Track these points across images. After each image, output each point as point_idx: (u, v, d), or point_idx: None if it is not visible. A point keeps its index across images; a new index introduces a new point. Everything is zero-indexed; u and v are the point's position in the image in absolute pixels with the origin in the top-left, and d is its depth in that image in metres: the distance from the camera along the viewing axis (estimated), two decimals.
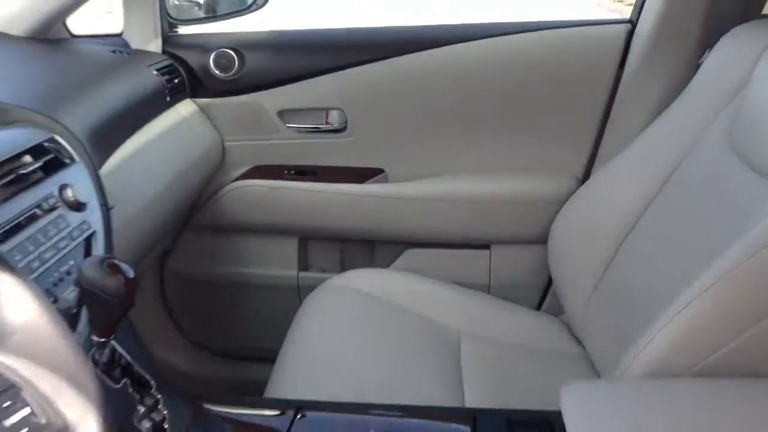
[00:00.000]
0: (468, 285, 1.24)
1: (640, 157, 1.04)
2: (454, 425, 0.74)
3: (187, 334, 1.48)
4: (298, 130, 1.30)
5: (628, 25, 1.17)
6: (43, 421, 0.38)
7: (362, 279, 1.19)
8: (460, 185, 1.27)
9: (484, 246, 1.32)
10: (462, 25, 1.24)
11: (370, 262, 1.39)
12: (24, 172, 0.71)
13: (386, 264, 1.36)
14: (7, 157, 0.71)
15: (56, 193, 0.71)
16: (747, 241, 0.68)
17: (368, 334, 1.06)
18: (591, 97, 1.20)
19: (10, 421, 0.36)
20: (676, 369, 0.70)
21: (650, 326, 0.72)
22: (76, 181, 0.75)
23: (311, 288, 1.20)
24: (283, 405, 0.76)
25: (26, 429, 0.36)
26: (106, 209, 0.76)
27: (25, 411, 0.37)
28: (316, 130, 1.31)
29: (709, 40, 1.06)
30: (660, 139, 1.02)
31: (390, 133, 1.28)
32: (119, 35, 1.27)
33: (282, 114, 1.28)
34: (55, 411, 0.39)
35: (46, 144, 0.75)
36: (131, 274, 0.58)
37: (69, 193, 0.72)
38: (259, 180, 1.32)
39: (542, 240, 1.21)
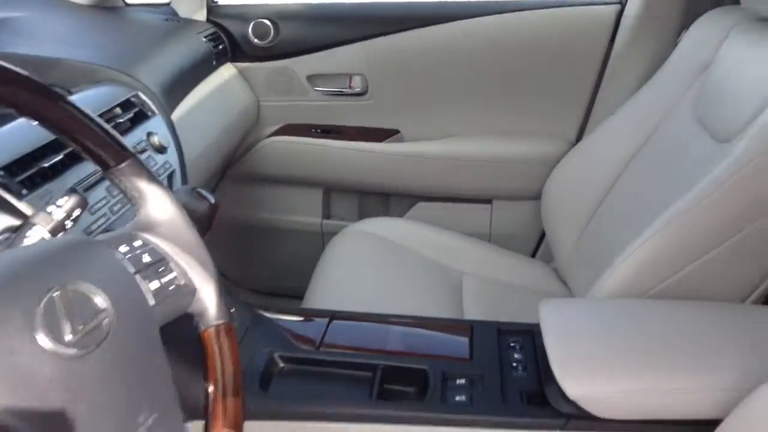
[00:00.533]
0: (471, 235, 1.41)
1: (622, 124, 1.20)
2: (456, 332, 0.93)
3: (224, 272, 1.67)
4: (325, 93, 1.47)
5: (618, 6, 1.33)
6: (182, 282, 0.56)
7: (379, 226, 1.37)
8: (466, 146, 1.45)
9: (486, 201, 1.50)
10: (471, 2, 1.39)
11: (385, 212, 1.57)
12: (118, 122, 0.89)
13: (399, 215, 1.55)
14: (103, 110, 0.88)
15: (144, 138, 0.89)
16: (694, 193, 0.86)
17: (384, 273, 1.23)
18: (583, 70, 1.36)
19: (164, 280, 0.54)
20: (635, 292, 0.88)
21: (616, 260, 0.90)
22: (158, 129, 0.93)
23: (333, 234, 1.38)
24: (320, 313, 0.95)
25: (173, 286, 0.55)
26: (180, 152, 0.94)
27: (172, 275, 0.56)
28: (341, 94, 1.48)
29: (686, 21, 1.21)
30: (640, 108, 1.18)
31: (406, 98, 1.45)
32: (167, 4, 1.43)
33: (311, 78, 1.46)
34: (188, 277, 0.57)
35: (132, 99, 0.93)
36: (213, 200, 0.76)
37: (155, 139, 0.89)
38: (289, 137, 1.50)
39: (537, 196, 1.38)
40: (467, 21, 1.35)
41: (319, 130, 1.50)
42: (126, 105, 0.92)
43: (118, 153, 0.55)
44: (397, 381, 0.82)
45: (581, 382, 0.72)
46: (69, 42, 1.11)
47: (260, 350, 0.84)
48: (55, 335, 0.41)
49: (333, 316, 0.94)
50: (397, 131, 1.48)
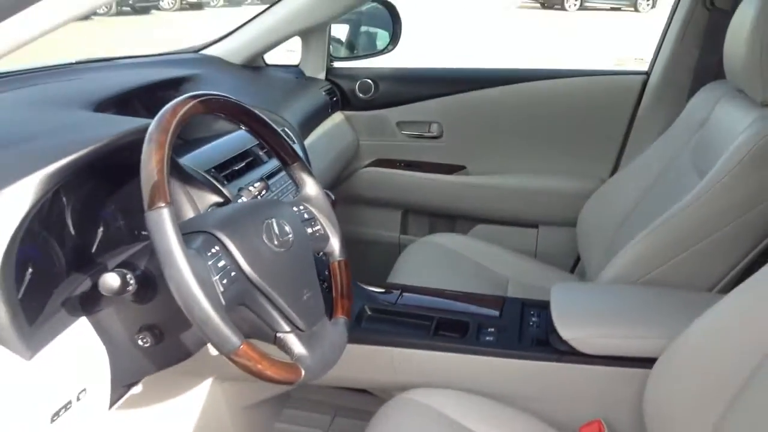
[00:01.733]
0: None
1: (640, 168, 1.54)
2: (491, 303, 1.27)
3: None
4: (409, 135, 1.91)
5: (645, 76, 1.69)
6: (323, 232, 0.98)
7: (444, 239, 1.75)
8: (518, 180, 1.83)
9: (533, 225, 1.86)
10: (525, 69, 1.80)
11: (451, 231, 1.96)
12: None
13: (462, 234, 1.93)
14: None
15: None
16: (679, 205, 1.18)
17: (445, 274, 1.58)
18: (616, 123, 1.72)
19: (314, 228, 0.96)
20: (630, 279, 1.21)
21: (618, 254, 1.24)
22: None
23: (407, 246, 1.78)
24: (394, 287, 1.34)
25: (318, 233, 0.97)
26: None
27: (318, 227, 0.97)
28: (421, 137, 1.91)
29: (694, 90, 1.55)
30: (655, 156, 1.51)
31: (472, 141, 1.86)
32: (297, 66, 1.92)
33: (399, 124, 1.90)
34: (325, 230, 0.99)
35: (285, 131, 1.39)
36: (333, 197, 1.18)
37: None
38: (380, 168, 1.94)
39: (574, 223, 1.73)
40: (522, 84, 1.76)
41: (403, 164, 1.94)
42: (283, 132, 1.37)
43: (293, 157, 0.98)
44: (446, 329, 1.18)
45: (572, 329, 1.07)
46: (235, 91, 1.60)
47: (356, 304, 1.24)
48: (269, 240, 0.83)
49: (404, 288, 1.33)
50: (464, 167, 1.89)
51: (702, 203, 1.16)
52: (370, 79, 1.88)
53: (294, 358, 0.81)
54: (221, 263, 0.76)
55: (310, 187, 1.00)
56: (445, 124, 1.86)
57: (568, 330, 1.07)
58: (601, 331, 1.06)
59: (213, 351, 1.17)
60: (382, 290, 1.35)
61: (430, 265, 1.64)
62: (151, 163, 0.71)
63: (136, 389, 1.15)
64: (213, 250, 0.76)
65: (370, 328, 1.18)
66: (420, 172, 1.91)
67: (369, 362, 1.16)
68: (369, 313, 1.23)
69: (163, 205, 0.69)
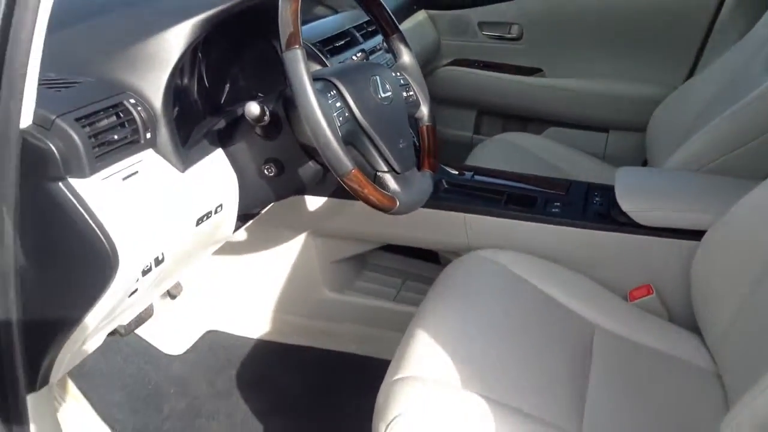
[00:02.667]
0: (592, 155, 1.81)
1: (713, 74, 1.53)
2: (557, 185, 1.39)
3: None
4: (490, 36, 1.98)
5: None
6: (415, 97, 1.11)
7: (516, 138, 1.84)
8: (591, 84, 1.90)
9: (604, 130, 1.92)
10: None
11: (523, 130, 2.04)
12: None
13: (536, 132, 2.00)
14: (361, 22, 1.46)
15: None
16: (746, 99, 1.23)
17: (514, 170, 1.43)
18: (693, 30, 1.74)
19: (408, 93, 1.09)
20: (693, 167, 1.28)
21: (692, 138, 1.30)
22: None
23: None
24: (467, 168, 1.45)
25: (411, 98, 1.10)
26: None
27: (411, 92, 1.10)
28: (502, 38, 1.98)
29: None
30: (729, 63, 1.48)
31: (550, 45, 1.92)
32: None
33: (480, 25, 1.97)
34: (417, 96, 1.12)
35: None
36: None
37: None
38: (460, 67, 2.03)
39: (644, 128, 1.76)
40: None
41: (481, 65, 2.02)
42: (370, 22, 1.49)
43: (393, 28, 1.11)
44: (516, 202, 1.31)
45: (632, 202, 1.18)
46: None
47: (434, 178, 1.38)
48: (375, 92, 0.98)
49: (477, 171, 1.45)
50: (540, 69, 1.96)
51: (759, 104, 1.21)
52: None
53: (390, 192, 0.97)
54: (338, 104, 0.91)
55: (407, 57, 1.13)
56: (525, 27, 1.92)
57: (628, 203, 1.18)
58: (658, 204, 1.17)
59: (311, 205, 1.35)
60: (456, 172, 1.49)
61: (500, 160, 1.74)
62: (287, 12, 0.86)
63: (240, 233, 1.36)
64: (331, 93, 0.92)
65: (446, 197, 1.32)
66: (499, 72, 1.99)
67: (444, 226, 1.31)
68: (446, 186, 1.37)
69: (297, 47, 0.84)
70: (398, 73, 1.10)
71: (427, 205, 1.30)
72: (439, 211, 1.31)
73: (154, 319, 1.47)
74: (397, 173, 0.99)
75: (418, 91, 1.12)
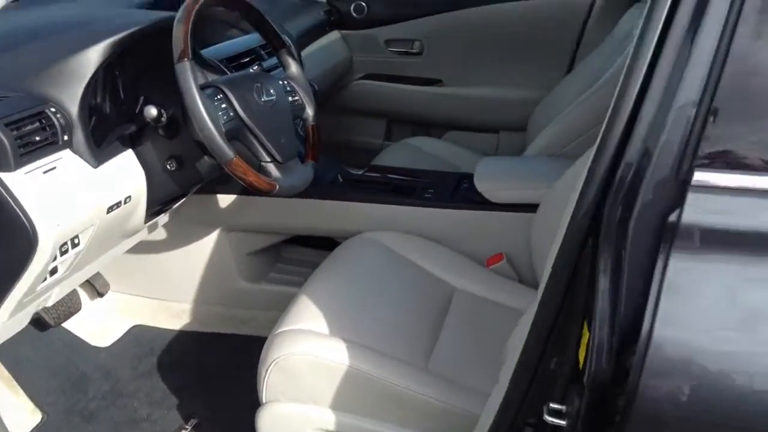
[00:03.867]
0: (487, 154, 2.07)
1: (576, 76, 1.82)
2: (437, 177, 1.63)
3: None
4: (395, 52, 2.23)
5: None
6: (301, 102, 1.33)
7: (418, 141, 2.07)
8: (483, 91, 2.16)
9: (495, 131, 2.18)
10: None
11: (428, 135, 2.28)
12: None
13: (438, 137, 2.25)
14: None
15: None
16: (587, 93, 1.52)
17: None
18: (566, 41, 2.02)
19: (294, 98, 1.32)
20: (547, 153, 1.56)
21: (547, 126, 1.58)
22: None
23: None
24: (362, 165, 1.70)
25: (297, 102, 1.32)
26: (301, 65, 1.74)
27: (297, 97, 1.33)
28: (406, 53, 2.24)
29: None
30: (588, 66, 1.79)
31: (447, 58, 2.18)
32: None
33: (387, 42, 2.22)
34: (303, 101, 1.34)
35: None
36: (317, 87, 1.53)
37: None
38: (370, 81, 2.27)
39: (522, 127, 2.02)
40: (486, 6, 2.06)
41: (390, 78, 2.27)
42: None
43: (281, 43, 1.33)
44: (399, 191, 1.54)
45: (485, 183, 1.43)
46: None
47: (331, 174, 1.60)
48: (258, 96, 1.20)
49: (370, 168, 1.68)
50: (440, 80, 2.22)
51: (603, 91, 1.46)
52: (364, 1, 2.20)
53: (272, 178, 1.19)
54: (223, 105, 1.13)
55: (294, 68, 1.35)
56: (425, 42, 2.18)
57: (483, 185, 1.43)
58: (507, 185, 1.42)
59: (222, 203, 1.56)
60: (361, 171, 1.71)
61: (403, 161, 1.96)
62: (179, 33, 1.07)
63: (160, 233, 1.55)
64: (218, 97, 1.14)
65: (342, 191, 1.55)
66: (403, 84, 2.24)
67: (340, 215, 1.54)
68: (341, 180, 1.60)
69: (186, 60, 1.06)
70: (285, 82, 1.32)
71: (325, 197, 1.53)
72: (335, 202, 1.54)
73: (83, 316, 1.66)
74: (280, 163, 1.21)
75: (303, 96, 1.35)
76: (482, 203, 1.43)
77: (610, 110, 0.66)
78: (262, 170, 1.20)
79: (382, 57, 2.25)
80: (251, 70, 1.38)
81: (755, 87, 0.59)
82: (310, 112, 1.35)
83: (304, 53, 1.94)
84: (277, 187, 1.17)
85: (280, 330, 1.15)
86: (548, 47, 2.04)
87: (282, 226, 1.60)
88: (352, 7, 2.21)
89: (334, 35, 2.22)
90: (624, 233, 0.63)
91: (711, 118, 0.60)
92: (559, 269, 0.72)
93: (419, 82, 2.23)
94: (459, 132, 2.24)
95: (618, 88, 0.64)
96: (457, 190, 1.52)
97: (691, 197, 0.59)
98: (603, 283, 0.64)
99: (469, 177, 1.56)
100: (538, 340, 0.75)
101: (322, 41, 2.11)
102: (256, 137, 1.18)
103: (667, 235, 0.60)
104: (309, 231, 1.62)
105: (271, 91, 1.23)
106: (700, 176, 0.60)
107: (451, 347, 1.19)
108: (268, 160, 1.20)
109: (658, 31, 0.61)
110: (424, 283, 1.34)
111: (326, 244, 1.71)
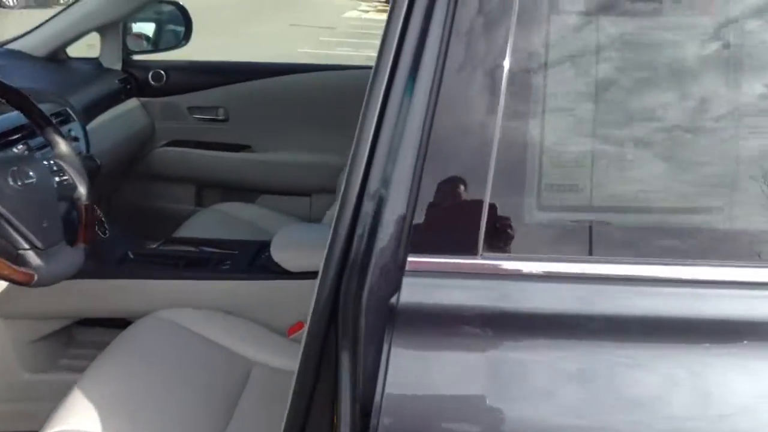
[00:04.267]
0: (301, 219, 2.10)
1: None
2: (238, 247, 1.61)
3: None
4: (199, 119, 2.21)
5: None
6: (72, 182, 1.26)
7: (229, 207, 2.03)
8: (292, 156, 2.20)
9: (307, 194, 2.22)
10: (291, 63, 2.17)
11: (241, 200, 2.25)
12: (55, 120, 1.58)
13: (251, 201, 2.24)
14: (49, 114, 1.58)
15: (66, 132, 1.58)
16: None
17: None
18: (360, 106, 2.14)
19: (62, 177, 1.24)
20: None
21: None
22: (75, 128, 1.62)
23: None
24: (159, 238, 1.63)
25: (67, 182, 1.24)
26: (87, 142, 1.64)
27: (67, 176, 1.25)
28: (211, 120, 2.22)
29: None
30: None
31: (253, 123, 2.20)
32: (97, 59, 2.15)
33: (190, 109, 2.19)
34: (74, 180, 1.26)
35: (63, 111, 1.63)
36: (99, 162, 1.45)
37: (72, 133, 1.57)
38: (174, 147, 2.22)
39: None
40: (289, 76, 2.13)
41: (194, 144, 2.23)
42: (61, 113, 1.62)
43: (45, 123, 1.25)
44: (193, 264, 1.50)
45: (282, 253, 1.44)
46: (29, 79, 1.81)
47: (121, 250, 1.51)
48: (14, 181, 1.10)
49: (168, 240, 1.62)
50: (249, 146, 2.23)
51: None
52: (162, 69, 2.15)
53: (32, 267, 1.09)
54: None
55: (62, 147, 1.27)
56: (230, 109, 2.19)
57: (279, 254, 1.44)
58: (302, 253, 1.44)
59: None
60: (151, 242, 1.65)
61: (212, 229, 1.91)
62: None
63: None
64: None
65: (129, 268, 1.47)
66: (210, 151, 2.21)
67: (130, 294, 1.45)
68: (131, 257, 1.52)
69: None
70: (51, 161, 1.24)
71: (111, 276, 1.44)
72: (122, 281, 1.45)
73: None
74: (41, 249, 1.12)
75: (73, 175, 1.27)
76: (280, 273, 1.44)
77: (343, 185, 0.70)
78: (19, 259, 1.09)
79: (186, 124, 2.21)
80: (15, 150, 1.27)
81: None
82: (82, 190, 1.28)
83: (96, 122, 1.84)
84: (36, 277, 1.08)
85: (47, 431, 1.04)
86: (347, 114, 2.14)
87: (66, 310, 1.48)
88: (149, 75, 2.16)
89: (132, 103, 2.14)
90: (358, 309, 0.66)
91: (419, 208, 0.67)
92: (310, 354, 0.73)
93: (227, 148, 2.22)
94: (271, 196, 2.25)
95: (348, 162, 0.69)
96: (255, 260, 1.52)
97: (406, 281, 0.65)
98: (344, 362, 0.67)
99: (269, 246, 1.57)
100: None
101: (118, 109, 2.03)
102: (10, 224, 1.08)
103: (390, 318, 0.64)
104: (97, 313, 1.51)
105: (30, 173, 1.15)
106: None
107: (246, 425, 1.16)
108: (27, 247, 1.10)
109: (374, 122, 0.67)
110: (219, 361, 1.30)
111: (126, 323, 1.60)
